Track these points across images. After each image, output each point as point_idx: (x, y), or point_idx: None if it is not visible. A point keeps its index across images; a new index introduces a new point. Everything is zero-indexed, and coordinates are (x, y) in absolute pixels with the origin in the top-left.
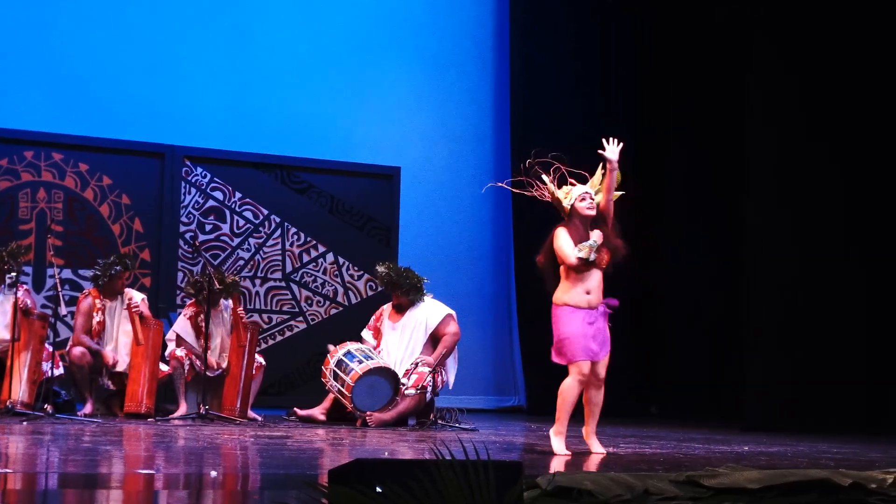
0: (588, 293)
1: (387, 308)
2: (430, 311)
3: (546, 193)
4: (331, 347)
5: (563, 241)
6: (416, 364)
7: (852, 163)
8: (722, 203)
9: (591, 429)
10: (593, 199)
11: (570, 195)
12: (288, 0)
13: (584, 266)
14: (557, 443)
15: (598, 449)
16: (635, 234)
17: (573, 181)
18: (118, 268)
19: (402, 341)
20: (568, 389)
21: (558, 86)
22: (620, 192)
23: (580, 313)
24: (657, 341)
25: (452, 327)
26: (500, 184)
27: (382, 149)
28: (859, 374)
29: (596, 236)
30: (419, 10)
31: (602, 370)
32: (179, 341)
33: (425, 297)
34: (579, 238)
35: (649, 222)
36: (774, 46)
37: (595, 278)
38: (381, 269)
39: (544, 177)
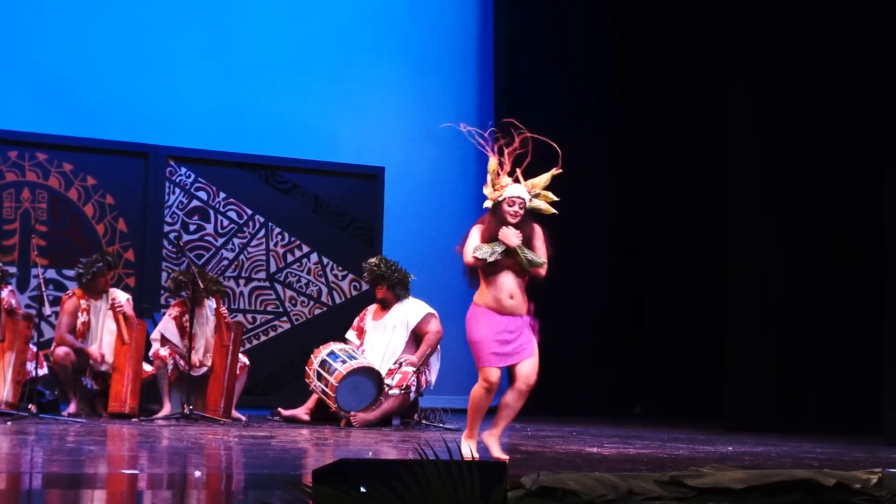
0: (511, 297)
1: (371, 308)
2: (412, 310)
3: (497, 168)
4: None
5: (470, 237)
6: (400, 364)
7: (835, 162)
8: (705, 203)
9: (497, 432)
10: (523, 207)
11: (504, 190)
12: (272, 0)
13: (493, 267)
14: (465, 447)
15: (497, 454)
16: (618, 233)
17: (520, 174)
18: (100, 265)
19: (384, 339)
20: (474, 397)
21: (542, 84)
22: (553, 212)
23: (495, 317)
24: (641, 341)
25: (434, 325)
26: (467, 128)
27: (366, 149)
28: (842, 374)
29: (511, 235)
30: (403, 10)
31: (525, 375)
32: (164, 341)
33: (409, 297)
34: (496, 232)
35: (632, 222)
36: (756, 45)
37: (511, 282)
38: (372, 260)
39: (505, 154)
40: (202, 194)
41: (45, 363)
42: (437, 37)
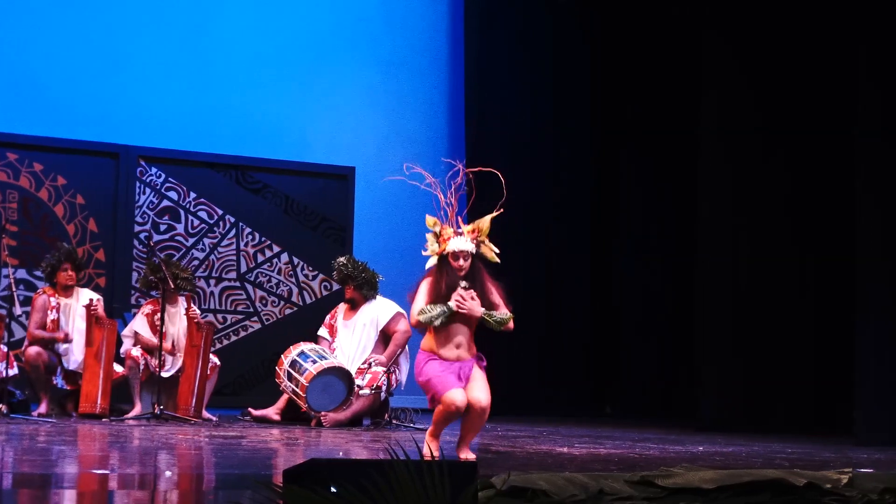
0: (457, 347)
1: (341, 307)
2: (381, 310)
3: (437, 221)
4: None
5: (418, 295)
6: (370, 364)
7: (805, 163)
8: (675, 205)
9: (464, 444)
10: (468, 259)
11: (447, 244)
12: (243, 0)
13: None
14: (426, 447)
15: (465, 455)
16: (589, 234)
17: (461, 222)
18: (57, 253)
19: (353, 339)
20: (438, 413)
21: (512, 86)
22: (496, 261)
23: (442, 361)
24: (611, 342)
25: (403, 325)
26: (414, 169)
27: (337, 149)
28: (812, 374)
29: (474, 306)
30: (374, 11)
31: (476, 399)
32: (138, 339)
33: (377, 296)
34: (445, 290)
35: (603, 222)
36: (726, 45)
37: (458, 332)
38: (341, 259)
39: (450, 194)
40: (173, 194)
41: (15, 363)
42: (407, 37)
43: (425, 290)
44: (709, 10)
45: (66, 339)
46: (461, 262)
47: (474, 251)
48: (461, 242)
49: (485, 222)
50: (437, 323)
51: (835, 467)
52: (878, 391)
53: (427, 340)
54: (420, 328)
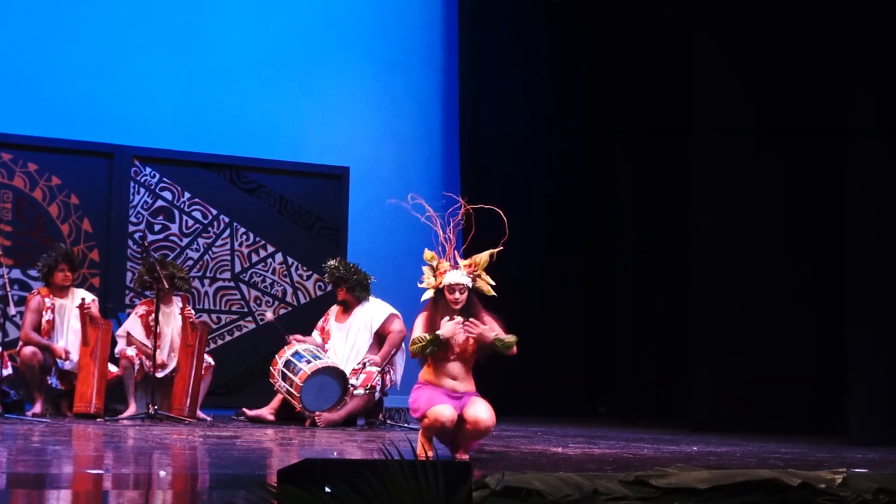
0: (454, 379)
1: (334, 309)
2: (375, 311)
3: (434, 255)
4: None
5: (415, 327)
6: (364, 364)
7: (799, 163)
8: (671, 205)
9: (461, 450)
10: (465, 292)
11: (443, 277)
12: (237, 0)
13: (439, 354)
14: (419, 446)
15: (460, 455)
16: (584, 234)
17: (458, 256)
18: (54, 254)
19: (347, 341)
20: (429, 433)
21: (507, 85)
22: (493, 294)
23: (436, 387)
24: (606, 342)
25: (397, 325)
26: (416, 200)
27: (331, 149)
28: (806, 374)
29: (485, 331)
30: (368, 11)
31: (473, 415)
32: (130, 339)
33: (370, 298)
34: (447, 314)
35: (598, 223)
36: (719, 45)
37: (456, 368)
38: (331, 262)
39: (449, 229)
40: (167, 194)
41: (9, 363)
42: (402, 37)
43: (421, 322)
44: (701, 9)
45: (66, 357)
46: (457, 295)
47: (470, 285)
48: (457, 276)
49: (482, 257)
50: (428, 351)
51: (829, 467)
52: (873, 391)
53: (424, 373)
54: (417, 358)
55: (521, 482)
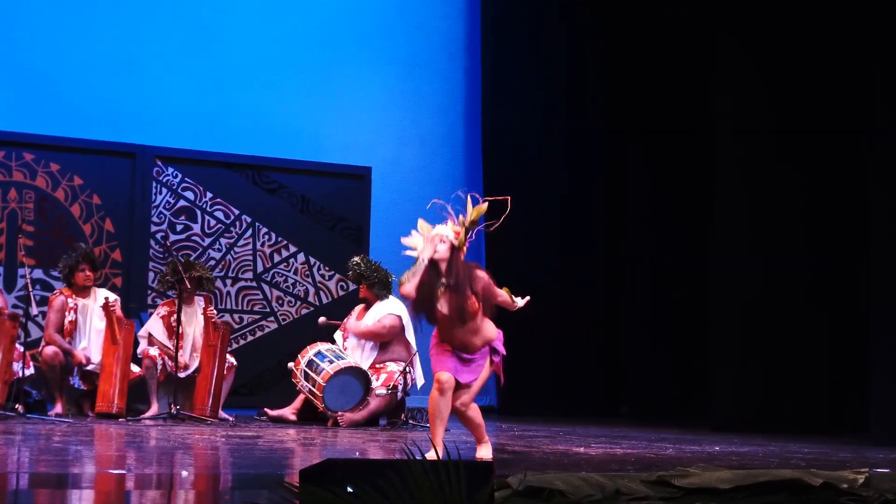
0: (461, 341)
1: (356, 309)
2: (382, 309)
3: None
4: (322, 319)
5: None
6: (384, 362)
7: (819, 163)
8: (690, 203)
9: (479, 442)
10: (445, 242)
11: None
12: (258, 0)
13: (437, 316)
14: (429, 454)
15: (480, 454)
16: (603, 234)
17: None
18: (74, 254)
19: (359, 340)
20: (430, 400)
21: (527, 86)
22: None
23: (446, 348)
24: (626, 342)
25: (388, 320)
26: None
27: (353, 149)
28: (827, 374)
29: (423, 247)
30: (390, 10)
31: (466, 396)
32: (152, 340)
33: (390, 297)
34: (427, 288)
35: (617, 223)
36: (740, 45)
37: (462, 332)
38: (355, 259)
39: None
40: (189, 194)
41: (31, 363)
42: (423, 37)
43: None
44: (721, 9)
45: (87, 363)
46: (438, 245)
47: (455, 241)
48: (442, 228)
49: (473, 212)
50: (406, 282)
51: (851, 467)
52: (894, 391)
53: (433, 338)
54: (407, 295)
55: (543, 482)
